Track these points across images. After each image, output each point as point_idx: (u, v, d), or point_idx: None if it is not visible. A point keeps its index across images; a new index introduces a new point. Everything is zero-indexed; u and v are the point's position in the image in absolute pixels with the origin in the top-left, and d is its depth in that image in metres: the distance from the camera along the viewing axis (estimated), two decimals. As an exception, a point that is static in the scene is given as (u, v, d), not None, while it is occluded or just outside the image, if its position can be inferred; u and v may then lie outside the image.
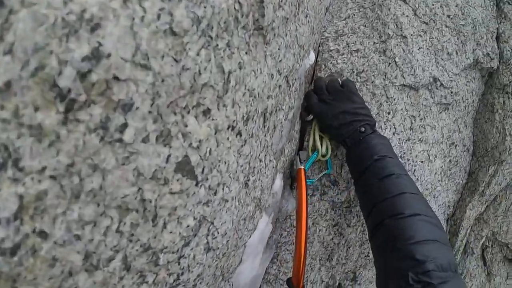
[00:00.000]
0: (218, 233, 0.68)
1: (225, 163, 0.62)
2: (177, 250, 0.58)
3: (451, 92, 1.24)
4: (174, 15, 0.44)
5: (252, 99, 0.65)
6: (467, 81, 1.34)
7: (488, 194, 1.41)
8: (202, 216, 0.60)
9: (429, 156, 1.19)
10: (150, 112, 0.44)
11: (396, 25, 1.16)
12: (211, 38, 0.51)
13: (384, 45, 1.13)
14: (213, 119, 0.55)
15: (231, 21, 0.55)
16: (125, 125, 0.42)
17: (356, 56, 1.13)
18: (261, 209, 0.88)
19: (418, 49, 1.17)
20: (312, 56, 0.99)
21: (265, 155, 0.81)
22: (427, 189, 1.19)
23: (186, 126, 0.50)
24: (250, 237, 0.86)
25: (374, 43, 1.14)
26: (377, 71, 1.10)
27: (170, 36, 0.44)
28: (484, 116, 1.42)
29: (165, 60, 0.44)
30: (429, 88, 1.20)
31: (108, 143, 0.41)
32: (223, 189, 0.64)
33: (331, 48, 1.15)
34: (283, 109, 0.85)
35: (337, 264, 1.08)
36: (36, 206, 0.37)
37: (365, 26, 1.17)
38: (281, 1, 0.71)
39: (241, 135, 0.65)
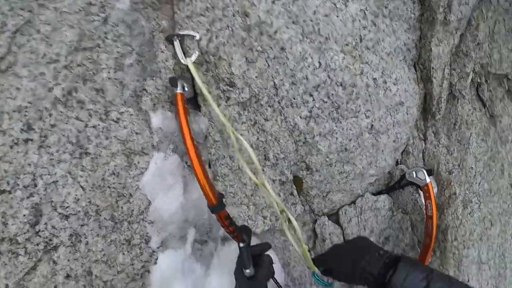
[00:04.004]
0: (67, 203, 0.82)
1: (29, 164, 0.77)
2: (28, 230, 0.76)
3: None
4: None
5: (25, 113, 0.77)
6: None
7: (454, 20, 1.05)
8: (35, 203, 0.77)
9: (334, 4, 0.93)
10: None
11: None
12: None
13: None
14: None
15: None
16: None
17: None
18: (141, 153, 0.93)
19: None
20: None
21: (103, 116, 0.88)
22: (347, 44, 0.96)
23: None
24: (140, 180, 0.92)
25: None
26: None
27: None
28: None
29: None
30: None
31: None
32: (42, 178, 0.79)
33: None
34: (104, 67, 0.89)
35: (277, 160, 1.04)
36: None
37: None
38: None
39: (31, 141, 0.78)
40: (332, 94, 0.95)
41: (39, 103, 0.78)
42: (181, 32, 0.99)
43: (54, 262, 0.81)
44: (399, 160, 1.28)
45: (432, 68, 1.16)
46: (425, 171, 1.14)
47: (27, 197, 0.76)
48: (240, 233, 0.89)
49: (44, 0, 0.80)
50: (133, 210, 0.91)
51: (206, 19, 0.95)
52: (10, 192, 0.74)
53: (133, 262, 0.92)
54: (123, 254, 0.91)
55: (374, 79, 1.03)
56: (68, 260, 0.83)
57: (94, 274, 0.87)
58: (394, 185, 1.23)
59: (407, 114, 1.15)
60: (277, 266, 1.14)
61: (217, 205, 0.85)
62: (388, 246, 1.23)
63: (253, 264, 0.87)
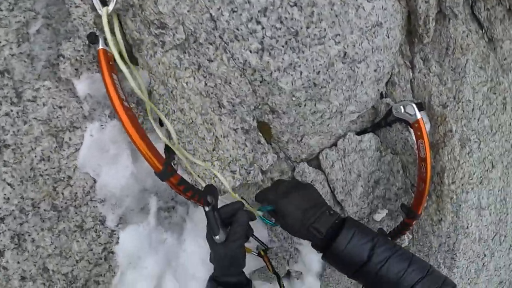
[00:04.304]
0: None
1: None
2: None
3: None
4: None
5: None
6: None
7: None
8: None
9: None
10: None
11: None
12: None
13: None
14: None
15: None
16: None
17: None
18: (71, 128, 0.81)
19: None
20: None
21: (15, 100, 0.76)
22: None
23: None
24: (77, 158, 0.81)
25: None
26: None
27: None
28: None
29: None
30: None
31: None
32: None
33: None
34: (4, 44, 0.76)
35: (233, 106, 0.89)
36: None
37: None
38: None
39: None
40: (286, 18, 0.76)
41: None
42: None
43: (4, 268, 0.76)
44: (383, 93, 1.11)
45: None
46: (414, 105, 0.97)
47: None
48: (202, 196, 0.78)
49: None
50: (76, 193, 0.81)
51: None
52: None
53: (91, 247, 0.84)
54: (77, 241, 0.82)
55: (339, -6, 0.83)
56: (18, 263, 0.77)
57: (51, 269, 0.81)
58: (380, 122, 1.07)
59: (388, 37, 0.96)
60: (258, 222, 1.06)
61: (164, 171, 0.72)
62: (379, 190, 1.12)
63: (226, 226, 0.78)
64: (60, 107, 0.78)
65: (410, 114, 0.97)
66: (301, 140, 1.00)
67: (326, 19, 0.82)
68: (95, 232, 0.83)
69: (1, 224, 0.74)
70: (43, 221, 0.78)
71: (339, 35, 0.85)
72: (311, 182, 1.05)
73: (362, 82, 0.96)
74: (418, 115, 0.96)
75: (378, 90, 1.06)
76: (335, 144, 1.06)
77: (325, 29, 0.82)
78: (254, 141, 0.96)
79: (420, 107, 0.98)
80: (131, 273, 0.88)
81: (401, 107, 0.98)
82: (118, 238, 0.86)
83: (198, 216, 1.01)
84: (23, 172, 0.75)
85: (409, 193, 1.14)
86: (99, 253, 0.84)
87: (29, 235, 0.77)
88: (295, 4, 0.77)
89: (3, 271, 0.74)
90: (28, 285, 0.77)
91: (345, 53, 0.88)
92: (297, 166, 1.06)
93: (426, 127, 1.03)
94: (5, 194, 0.74)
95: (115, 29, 0.80)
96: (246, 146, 0.94)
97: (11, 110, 0.74)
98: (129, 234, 0.87)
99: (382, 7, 0.91)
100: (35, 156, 0.76)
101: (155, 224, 0.93)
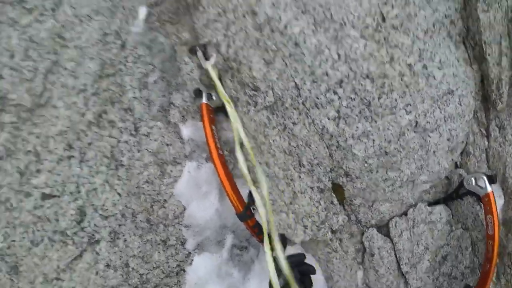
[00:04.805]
0: (106, 206, 0.93)
1: (73, 176, 0.91)
2: (74, 226, 0.90)
3: None
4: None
5: (65, 136, 0.92)
6: None
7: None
8: (79, 205, 0.91)
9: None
10: None
11: None
12: None
13: None
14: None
15: None
16: None
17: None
18: (174, 163, 1.00)
19: None
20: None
21: (133, 132, 0.97)
22: (367, 26, 0.87)
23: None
24: (174, 187, 0.99)
25: None
26: None
27: None
28: None
29: None
30: None
31: None
32: (84, 186, 0.92)
33: None
34: (129, 88, 0.99)
35: (311, 166, 0.98)
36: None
37: None
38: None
39: (73, 157, 0.92)
40: (359, 89, 0.88)
41: (75, 127, 0.92)
42: (202, 42, 1.02)
43: (97, 253, 0.93)
44: (458, 163, 1.09)
45: (484, 42, 0.93)
46: (485, 178, 0.93)
47: (73, 201, 0.90)
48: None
49: (65, 41, 0.92)
50: (168, 214, 0.98)
51: (221, 25, 0.98)
52: (59, 197, 0.89)
53: (168, 260, 0.98)
54: (159, 252, 0.97)
55: (409, 65, 0.89)
56: (109, 253, 0.94)
57: (131, 266, 0.96)
58: (452, 194, 1.05)
59: (461, 105, 0.97)
60: (319, 279, 1.07)
61: (243, 214, 0.86)
62: (446, 267, 1.05)
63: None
64: (167, 144, 0.99)
65: (481, 187, 0.94)
66: (372, 205, 1.04)
67: (397, 89, 0.89)
68: (175, 249, 0.98)
69: (105, 221, 0.92)
70: (137, 228, 0.95)
71: (410, 104, 0.91)
72: (378, 248, 1.05)
73: (434, 152, 0.98)
74: (489, 188, 0.93)
75: (452, 160, 1.05)
76: (405, 213, 1.06)
77: (395, 99, 0.89)
78: (327, 201, 1.01)
79: (492, 179, 0.94)
80: (195, 293, 0.99)
81: (473, 179, 0.96)
82: (192, 260, 1.00)
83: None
84: (131, 187, 0.95)
85: (476, 273, 1.04)
86: (173, 267, 0.98)
87: (123, 236, 0.94)
88: (367, 76, 0.87)
89: (94, 254, 0.92)
90: (110, 271, 0.93)
91: (416, 123, 0.92)
92: (366, 231, 1.07)
93: (499, 202, 0.97)
94: (113, 200, 0.93)
95: (217, 83, 0.96)
96: (320, 204, 1.00)
97: (129, 139, 0.96)
98: (203, 259, 1.00)
99: (453, 74, 0.94)
100: (142, 178, 0.96)
101: (227, 258, 1.04)
